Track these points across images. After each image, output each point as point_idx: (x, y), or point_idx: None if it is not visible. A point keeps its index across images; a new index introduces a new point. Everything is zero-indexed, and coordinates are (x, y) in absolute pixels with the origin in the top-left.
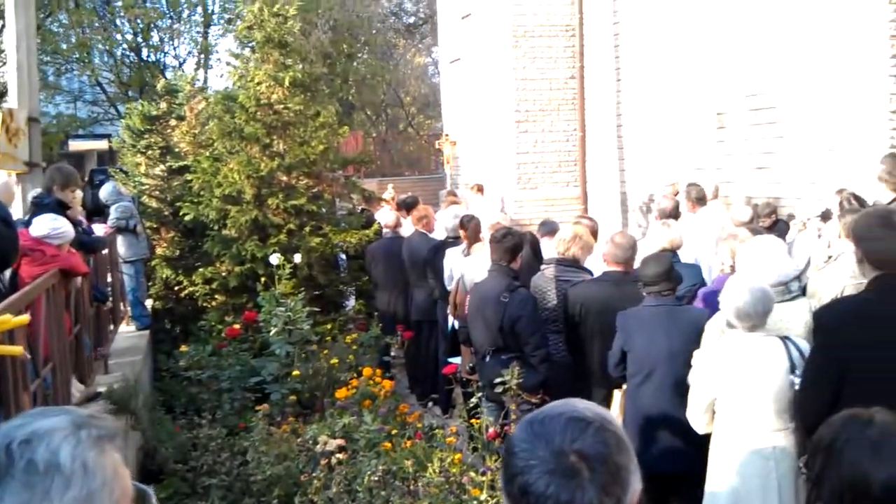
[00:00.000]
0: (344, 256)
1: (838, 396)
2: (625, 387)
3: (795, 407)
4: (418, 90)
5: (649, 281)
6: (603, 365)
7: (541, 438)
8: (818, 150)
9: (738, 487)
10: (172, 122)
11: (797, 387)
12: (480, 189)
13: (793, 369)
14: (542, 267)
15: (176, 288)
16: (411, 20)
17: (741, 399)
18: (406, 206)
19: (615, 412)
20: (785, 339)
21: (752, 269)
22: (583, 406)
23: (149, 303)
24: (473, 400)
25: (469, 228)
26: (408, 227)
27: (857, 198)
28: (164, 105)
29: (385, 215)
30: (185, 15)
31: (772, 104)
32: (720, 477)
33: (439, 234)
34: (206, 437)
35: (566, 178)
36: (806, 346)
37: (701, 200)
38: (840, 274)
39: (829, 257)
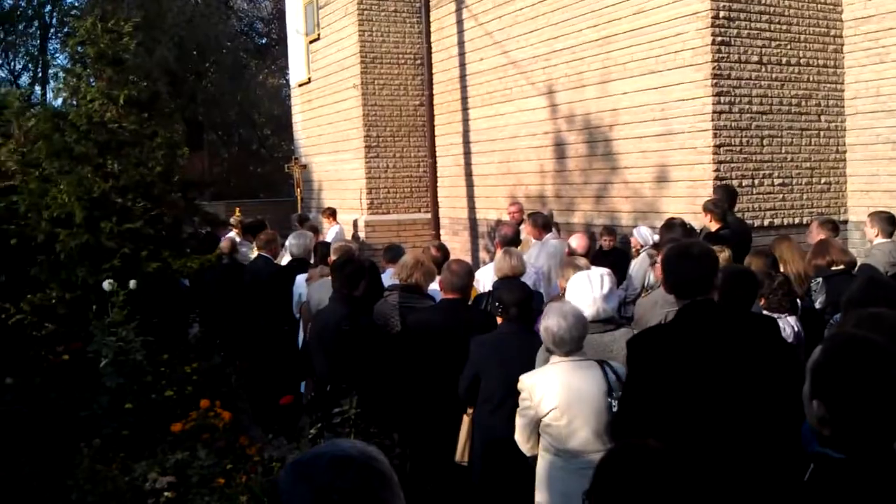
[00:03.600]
0: (186, 282)
1: (654, 420)
2: (470, 411)
3: (613, 429)
4: (271, 111)
5: (507, 307)
6: (444, 391)
7: (304, 479)
8: (651, 182)
9: None
10: None
11: (615, 409)
12: (333, 214)
13: (610, 392)
14: (385, 294)
15: (2, 316)
16: (263, 41)
17: (562, 421)
18: (251, 230)
19: (462, 436)
20: (602, 363)
21: (572, 300)
22: (348, 445)
23: None
24: (313, 431)
25: (316, 254)
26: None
27: (682, 226)
28: None
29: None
30: (20, 27)
31: (606, 137)
32: (546, 497)
33: (287, 258)
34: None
35: (417, 203)
36: (623, 370)
37: (547, 227)
38: (662, 301)
39: (650, 286)
